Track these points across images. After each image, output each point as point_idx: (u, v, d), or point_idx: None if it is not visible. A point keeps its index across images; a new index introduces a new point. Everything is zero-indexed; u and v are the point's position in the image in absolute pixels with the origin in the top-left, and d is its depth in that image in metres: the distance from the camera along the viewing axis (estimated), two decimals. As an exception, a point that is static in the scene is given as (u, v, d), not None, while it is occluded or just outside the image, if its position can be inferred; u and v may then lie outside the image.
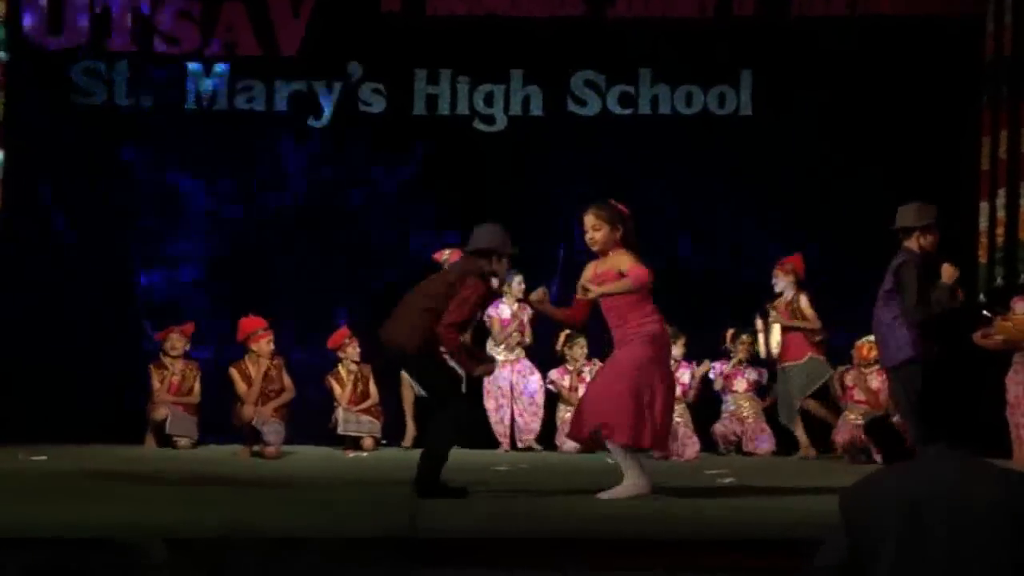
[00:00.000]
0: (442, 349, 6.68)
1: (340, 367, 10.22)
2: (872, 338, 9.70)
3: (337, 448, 9.99)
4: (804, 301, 10.16)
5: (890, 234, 7.21)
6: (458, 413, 6.70)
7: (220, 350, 10.33)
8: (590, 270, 6.82)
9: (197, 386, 10.24)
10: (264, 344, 9.73)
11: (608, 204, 6.76)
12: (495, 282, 6.87)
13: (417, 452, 6.91)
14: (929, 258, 7.02)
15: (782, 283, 10.25)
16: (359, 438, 10.04)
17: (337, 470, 8.48)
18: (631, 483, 6.59)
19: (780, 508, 6.44)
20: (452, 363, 6.90)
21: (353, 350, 10.19)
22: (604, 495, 6.56)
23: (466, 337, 7.04)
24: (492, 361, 7.21)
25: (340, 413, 9.99)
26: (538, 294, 6.82)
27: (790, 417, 10.06)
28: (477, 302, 6.56)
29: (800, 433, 10.04)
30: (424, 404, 10.19)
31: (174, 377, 10.14)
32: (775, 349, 10.14)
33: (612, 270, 6.67)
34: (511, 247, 6.84)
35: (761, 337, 10.20)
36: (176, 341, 10.19)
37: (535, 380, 10.30)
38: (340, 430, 9.98)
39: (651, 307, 6.63)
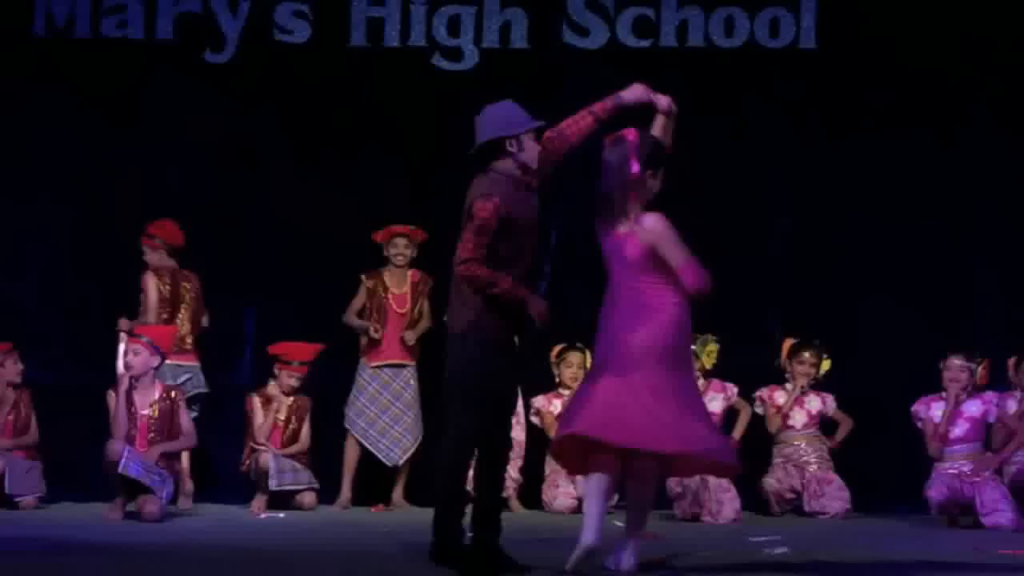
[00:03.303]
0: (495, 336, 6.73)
1: (271, 387, 10.27)
2: (962, 357, 9.78)
3: (243, 506, 9.99)
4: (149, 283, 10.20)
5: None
6: (483, 423, 6.75)
7: (73, 372, 10.34)
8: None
9: (34, 422, 10.18)
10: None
11: None
12: (528, 160, 6.86)
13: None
14: None
15: (153, 257, 10.29)
16: (293, 493, 10.07)
17: (247, 536, 8.44)
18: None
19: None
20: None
21: (299, 382, 10.26)
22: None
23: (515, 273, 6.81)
24: (541, 303, 7.05)
25: (270, 460, 9.94)
26: None
27: None
28: (489, 222, 6.67)
29: None
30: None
31: (8, 415, 10.10)
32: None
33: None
34: (528, 122, 6.89)
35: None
36: (7, 363, 10.12)
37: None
38: (274, 484, 9.93)
39: None
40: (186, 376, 10.15)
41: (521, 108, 6.92)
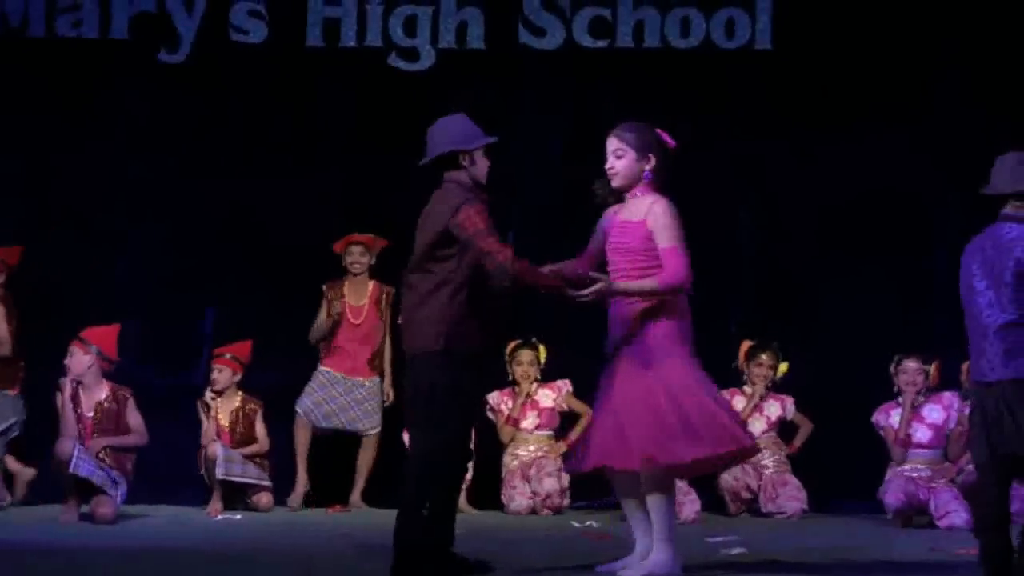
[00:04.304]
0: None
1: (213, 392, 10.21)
2: (917, 360, 9.82)
3: (200, 508, 9.94)
4: None
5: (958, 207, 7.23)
6: (455, 440, 6.71)
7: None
8: (608, 216, 7.12)
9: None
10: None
11: (641, 125, 7.07)
12: (479, 176, 6.88)
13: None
14: None
15: None
16: (244, 491, 10.00)
17: (203, 537, 8.40)
18: (666, 555, 6.77)
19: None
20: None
21: (224, 374, 10.18)
22: (631, 572, 6.73)
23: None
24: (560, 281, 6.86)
25: (219, 450, 9.85)
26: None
27: None
28: (486, 223, 6.65)
29: None
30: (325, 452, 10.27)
31: None
32: None
33: (637, 222, 6.97)
34: (482, 137, 6.88)
35: None
36: None
37: None
38: (220, 473, 9.81)
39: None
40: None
41: (473, 122, 6.92)
